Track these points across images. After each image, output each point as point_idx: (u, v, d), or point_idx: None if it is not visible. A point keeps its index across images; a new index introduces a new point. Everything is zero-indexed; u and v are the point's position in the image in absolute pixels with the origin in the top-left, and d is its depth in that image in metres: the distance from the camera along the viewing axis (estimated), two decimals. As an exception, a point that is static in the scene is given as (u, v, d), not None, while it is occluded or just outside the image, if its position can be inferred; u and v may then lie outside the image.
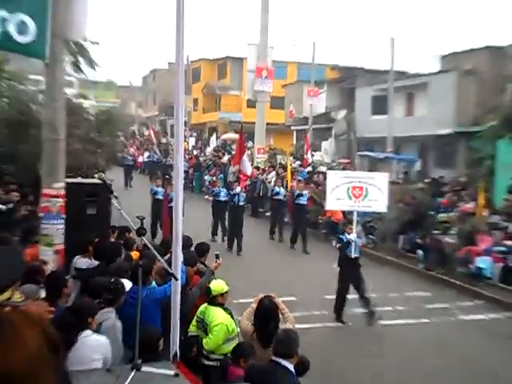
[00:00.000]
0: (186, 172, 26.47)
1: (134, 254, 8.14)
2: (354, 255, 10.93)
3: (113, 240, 9.01)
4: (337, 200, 11.95)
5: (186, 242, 7.67)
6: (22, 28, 5.47)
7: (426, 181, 22.69)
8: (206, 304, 6.49)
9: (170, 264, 5.11)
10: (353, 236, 11.03)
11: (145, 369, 4.48)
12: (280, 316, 5.96)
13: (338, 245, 11.30)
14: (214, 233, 17.82)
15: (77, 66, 22.12)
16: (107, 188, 6.37)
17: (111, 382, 4.14)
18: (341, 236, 11.26)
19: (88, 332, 4.88)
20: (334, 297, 12.16)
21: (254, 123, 28.89)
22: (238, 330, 6.30)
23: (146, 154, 35.96)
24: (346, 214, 18.28)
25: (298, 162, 27.33)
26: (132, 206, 11.06)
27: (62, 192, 7.66)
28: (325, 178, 23.34)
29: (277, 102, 38.53)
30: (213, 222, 18.06)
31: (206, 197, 26.27)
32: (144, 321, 4.83)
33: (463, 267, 14.57)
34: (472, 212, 16.75)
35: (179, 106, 4.97)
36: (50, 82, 7.56)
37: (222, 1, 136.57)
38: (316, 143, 33.41)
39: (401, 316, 11.69)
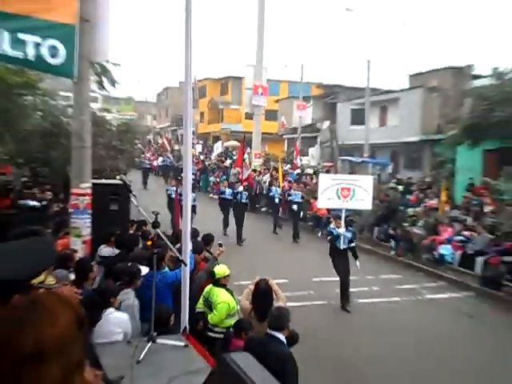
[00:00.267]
0: (194, 174, 26.45)
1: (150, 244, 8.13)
2: (342, 246, 10.79)
3: (132, 232, 9.01)
4: (327, 199, 11.83)
5: (194, 233, 7.68)
6: (53, 52, 5.45)
7: (393, 181, 22.72)
8: (211, 285, 6.49)
9: (180, 252, 5.10)
10: (341, 230, 10.91)
11: (159, 341, 4.49)
12: (274, 296, 5.95)
13: (329, 237, 11.12)
14: (225, 226, 17.44)
15: (101, 84, 22.04)
16: (127, 188, 6.35)
17: (130, 353, 4.14)
18: (331, 230, 11.09)
19: (111, 310, 4.88)
20: (319, 279, 12.22)
21: (251, 132, 28.91)
22: (238, 307, 6.31)
23: (160, 158, 35.88)
24: (331, 210, 18.37)
25: (289, 166, 27.35)
26: (148, 203, 11.07)
27: (89, 191, 7.64)
28: (311, 179, 23.52)
29: (271, 115, 38.51)
30: (223, 217, 17.68)
31: (211, 195, 26.25)
32: (158, 300, 4.83)
33: (428, 254, 14.61)
34: (436, 207, 16.80)
35: (188, 118, 4.96)
36: (78, 97, 7.54)
37: (225, 29, 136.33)
38: (304, 149, 33.40)
39: (376, 295, 11.71)
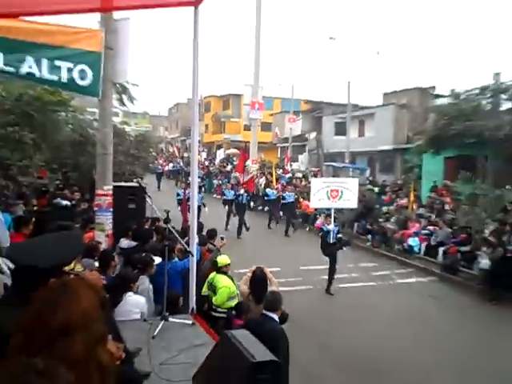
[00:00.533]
0: (201, 178, 26.37)
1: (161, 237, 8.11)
2: (332, 241, 10.77)
3: (147, 227, 9.00)
4: (318, 200, 11.75)
5: (199, 228, 7.69)
6: (82, 75, 5.49)
7: (367, 182, 22.78)
8: (214, 272, 6.51)
9: (188, 244, 5.13)
10: (331, 227, 10.89)
11: (171, 319, 4.51)
12: (268, 281, 5.97)
13: (320, 234, 10.99)
14: (227, 224, 17.17)
15: (121, 101, 22.01)
16: (143, 189, 6.39)
17: (146, 329, 4.17)
18: (322, 227, 10.99)
19: (130, 293, 4.90)
20: (307, 267, 12.24)
21: (249, 142, 28.83)
22: (238, 291, 6.33)
23: (171, 164, 35.78)
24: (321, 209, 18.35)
25: (281, 170, 27.34)
26: (161, 202, 11.07)
27: (110, 192, 7.65)
28: (301, 181, 23.52)
29: (266, 126, 38.44)
30: (226, 217, 17.44)
31: (215, 195, 26.22)
32: (169, 285, 4.86)
33: (399, 245, 14.66)
34: (406, 206, 16.86)
35: (195, 129, 4.99)
36: (102, 113, 7.56)
37: (226, 53, 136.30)
38: (294, 156, 33.40)
39: (355, 280, 11.75)
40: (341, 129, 28.91)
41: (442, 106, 18.77)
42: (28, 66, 5.11)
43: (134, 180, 14.39)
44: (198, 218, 11.63)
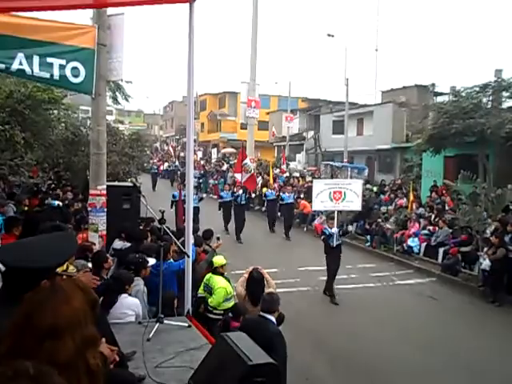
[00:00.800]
0: (198, 178, 26.30)
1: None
2: (335, 244, 10.41)
3: (141, 227, 8.98)
4: (321, 202, 11.46)
5: (194, 228, 7.68)
6: (75, 72, 5.49)
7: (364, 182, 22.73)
8: (210, 273, 6.51)
9: (183, 245, 5.12)
10: (334, 230, 10.54)
11: (166, 321, 4.50)
12: (265, 283, 5.97)
13: (323, 237, 10.67)
14: (226, 227, 17.08)
15: (115, 100, 22.03)
16: (137, 189, 6.37)
17: (141, 331, 4.16)
18: (324, 230, 10.69)
19: (125, 295, 4.89)
20: (305, 268, 12.23)
21: (245, 141, 28.78)
22: (234, 292, 6.33)
23: (166, 164, 35.78)
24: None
25: (278, 170, 27.33)
26: (156, 202, 11.07)
27: (104, 192, 7.64)
28: (298, 181, 23.52)
29: (263, 125, 38.42)
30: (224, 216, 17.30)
31: (211, 195, 26.20)
32: (164, 287, 4.85)
33: (398, 246, 14.67)
34: (405, 205, 16.88)
35: (190, 128, 4.98)
36: (95, 111, 7.54)
37: (222, 50, 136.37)
38: (291, 155, 33.41)
39: (353, 281, 11.74)
40: (339, 127, 28.92)
41: (442, 103, 18.79)
42: (19, 62, 5.09)
43: (129, 180, 14.46)
44: (198, 222, 11.56)
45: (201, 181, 28.46)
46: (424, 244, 14.10)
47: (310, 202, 19.30)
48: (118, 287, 4.85)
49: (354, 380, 6.78)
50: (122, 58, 7.39)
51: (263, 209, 20.99)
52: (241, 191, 16.85)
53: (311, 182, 23.02)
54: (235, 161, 30.73)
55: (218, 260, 6.54)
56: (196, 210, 14.16)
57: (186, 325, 4.57)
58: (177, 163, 33.31)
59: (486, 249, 11.15)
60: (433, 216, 15.14)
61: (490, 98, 17.42)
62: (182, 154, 38.48)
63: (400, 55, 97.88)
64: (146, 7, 5.72)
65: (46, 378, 1.13)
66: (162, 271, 4.83)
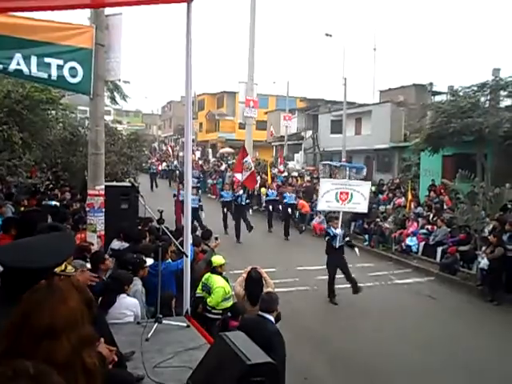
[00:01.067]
0: (197, 178, 26.21)
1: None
2: (338, 245, 10.22)
3: (139, 227, 8.98)
4: (326, 202, 11.30)
5: (192, 228, 7.68)
6: (73, 72, 5.48)
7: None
8: (209, 273, 6.51)
9: (182, 245, 5.12)
10: (338, 230, 10.36)
11: (164, 321, 4.51)
12: (263, 282, 5.97)
13: (327, 238, 10.45)
14: (226, 227, 16.93)
15: (113, 99, 22.03)
16: (135, 189, 6.38)
17: (140, 332, 4.16)
18: (328, 231, 10.47)
19: (124, 295, 4.89)
20: (303, 268, 12.23)
21: (243, 140, 28.82)
22: (233, 292, 6.33)
23: (164, 164, 35.76)
24: (313, 208, 18.33)
25: (277, 169, 27.33)
26: (155, 202, 11.05)
27: (103, 192, 7.63)
28: (297, 181, 23.51)
29: (261, 125, 38.41)
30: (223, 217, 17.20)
31: (209, 195, 26.19)
32: (162, 287, 4.85)
33: (397, 245, 14.69)
34: (403, 205, 16.91)
35: (188, 128, 4.98)
36: (94, 111, 7.52)
37: (221, 50, 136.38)
38: (290, 155, 33.44)
39: (352, 281, 11.72)
40: (337, 127, 28.93)
41: (440, 103, 18.82)
42: (16, 62, 5.08)
43: (127, 179, 14.44)
44: (199, 222, 11.47)
45: (199, 181, 28.42)
46: (422, 243, 14.11)
47: (309, 201, 19.45)
48: (116, 287, 4.85)
49: (352, 379, 6.78)
50: (119, 58, 7.37)
51: (261, 208, 20.96)
52: (241, 191, 16.76)
53: (309, 181, 23.18)
54: (233, 160, 30.78)
55: (217, 260, 6.54)
56: (195, 209, 14.20)
57: (185, 325, 4.57)
58: (175, 163, 33.29)
59: (484, 248, 11.16)
60: (431, 215, 15.16)
61: (488, 98, 17.46)
62: (180, 154, 38.50)
63: (398, 55, 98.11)
64: (143, 7, 5.71)
65: (46, 378, 1.14)
66: (161, 271, 4.83)
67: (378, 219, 16.14)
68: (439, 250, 13.32)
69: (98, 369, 1.37)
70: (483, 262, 10.92)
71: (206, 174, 29.71)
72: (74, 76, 5.46)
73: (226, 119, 47.17)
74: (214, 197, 25.78)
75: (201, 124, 50.43)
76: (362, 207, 11.62)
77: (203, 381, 2.89)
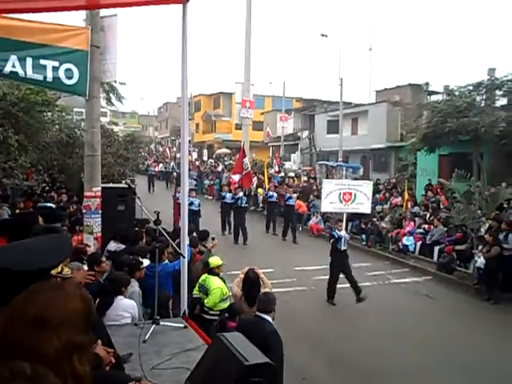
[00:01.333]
0: (195, 179, 26.16)
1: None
2: (343, 248, 10.14)
3: (136, 229, 8.96)
4: (330, 203, 11.08)
5: (190, 229, 7.66)
6: (68, 74, 5.48)
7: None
8: (206, 274, 6.51)
9: (179, 246, 5.11)
10: (343, 233, 10.28)
11: (162, 323, 4.50)
12: (261, 283, 5.97)
13: (332, 240, 10.33)
14: (224, 228, 16.91)
15: (109, 101, 22.01)
16: (132, 191, 6.37)
17: (137, 333, 4.15)
18: (333, 233, 10.33)
19: (121, 297, 4.88)
20: (301, 268, 12.24)
21: (240, 141, 28.82)
22: (230, 293, 6.33)
23: (161, 165, 35.75)
24: (310, 208, 18.36)
25: (273, 170, 27.30)
26: (152, 204, 11.05)
27: (99, 194, 7.63)
28: (294, 181, 23.51)
29: (257, 126, 38.46)
30: (221, 220, 17.12)
31: (206, 196, 26.17)
32: (159, 288, 4.84)
33: (394, 244, 14.72)
34: (400, 204, 16.94)
35: (185, 129, 4.98)
36: (90, 113, 7.53)
37: (217, 51, 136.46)
38: (286, 155, 33.46)
39: (349, 281, 11.73)
40: (333, 127, 28.99)
41: (436, 102, 18.88)
42: (12, 64, 5.08)
43: (124, 181, 14.44)
44: (197, 228, 11.35)
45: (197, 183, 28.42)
46: (419, 243, 14.15)
47: (305, 201, 19.46)
48: (114, 289, 4.85)
49: (350, 379, 6.79)
50: (115, 60, 7.38)
51: (258, 209, 20.93)
52: (241, 193, 16.64)
53: (306, 181, 23.20)
54: (230, 161, 30.79)
55: (214, 261, 6.53)
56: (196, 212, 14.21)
57: (182, 326, 4.57)
58: (172, 164, 33.28)
59: (480, 247, 11.20)
60: (428, 214, 15.20)
61: (484, 97, 17.51)
62: (178, 155, 38.48)
63: (394, 54, 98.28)
64: (139, 8, 5.70)
65: (43, 379, 1.14)
66: (158, 272, 4.82)
67: (375, 219, 16.16)
68: (436, 249, 13.36)
69: (89, 376, 1.36)
70: (480, 261, 10.96)
71: (202, 174, 29.71)
72: (69, 78, 5.45)
73: (223, 120, 47.18)
74: (211, 197, 25.81)
75: (197, 125, 50.43)
76: (366, 207, 11.39)
77: (201, 382, 2.89)
